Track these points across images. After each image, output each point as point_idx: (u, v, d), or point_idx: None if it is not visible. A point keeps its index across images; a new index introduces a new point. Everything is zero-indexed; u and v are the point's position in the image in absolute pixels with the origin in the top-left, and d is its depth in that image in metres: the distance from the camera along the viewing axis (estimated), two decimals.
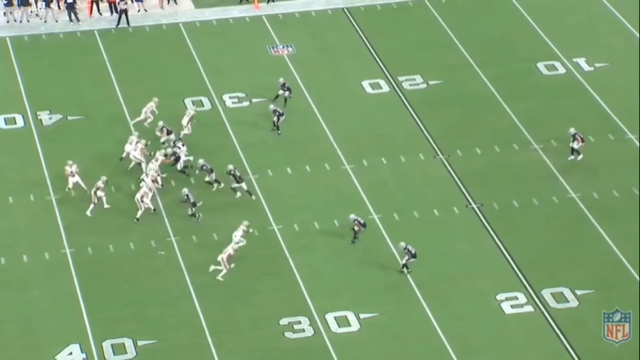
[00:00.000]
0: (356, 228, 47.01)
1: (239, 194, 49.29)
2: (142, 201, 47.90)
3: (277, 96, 54.01)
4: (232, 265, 45.36)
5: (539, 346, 43.28)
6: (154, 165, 49.30)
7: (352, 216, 47.16)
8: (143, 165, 49.90)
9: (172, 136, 50.86)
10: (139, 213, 48.06)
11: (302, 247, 47.19)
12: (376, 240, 47.67)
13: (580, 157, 50.97)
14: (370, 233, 47.81)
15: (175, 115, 53.79)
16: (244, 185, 49.26)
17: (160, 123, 51.46)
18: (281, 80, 54.12)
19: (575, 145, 50.86)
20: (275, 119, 52.52)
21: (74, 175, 48.92)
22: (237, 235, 46.00)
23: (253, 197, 49.38)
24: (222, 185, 49.30)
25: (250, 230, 46.40)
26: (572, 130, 51.03)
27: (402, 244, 45.53)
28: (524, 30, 60.30)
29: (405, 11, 61.99)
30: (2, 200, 49.17)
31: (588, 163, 51.19)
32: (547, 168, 51.03)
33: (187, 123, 52.18)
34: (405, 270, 45.66)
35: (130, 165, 50.18)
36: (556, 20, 60.85)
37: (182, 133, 52.00)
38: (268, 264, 46.49)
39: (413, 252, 45.35)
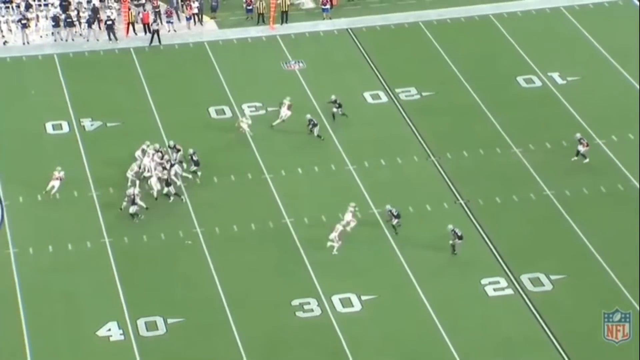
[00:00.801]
0: (387, 218, 47.14)
1: (190, 176, 50.13)
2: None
3: (333, 115, 53.89)
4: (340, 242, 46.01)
5: (518, 324, 43.29)
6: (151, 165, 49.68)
7: (388, 207, 47.37)
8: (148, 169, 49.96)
9: (181, 154, 50.54)
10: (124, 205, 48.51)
11: (311, 238, 47.14)
12: (376, 231, 47.60)
13: (586, 160, 50.95)
14: (370, 225, 47.83)
15: (200, 122, 54.31)
16: (198, 169, 49.88)
17: (171, 142, 51.26)
18: (333, 97, 53.98)
19: (582, 149, 50.76)
20: (310, 127, 52.41)
21: (57, 180, 48.81)
22: (346, 216, 46.50)
23: (198, 180, 49.96)
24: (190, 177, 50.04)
25: (358, 213, 46.93)
26: (578, 135, 51.17)
27: (450, 226, 45.79)
28: (505, 48, 60.31)
29: (401, 31, 62.03)
30: (60, 191, 49.17)
31: (560, 164, 51.13)
32: (525, 169, 50.98)
33: (287, 110, 52.85)
34: (453, 251, 45.93)
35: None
36: (533, 39, 60.86)
37: (278, 121, 53.10)
38: (281, 252, 46.57)
39: (459, 234, 45.50)
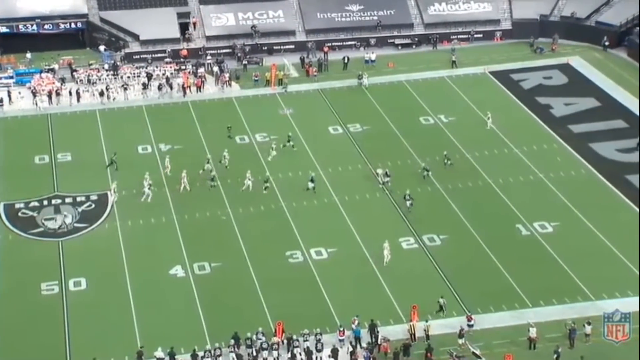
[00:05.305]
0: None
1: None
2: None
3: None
4: None
5: (421, 266, 43.07)
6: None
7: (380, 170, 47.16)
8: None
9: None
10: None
11: (297, 214, 46.62)
12: (334, 209, 47.04)
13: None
14: (331, 205, 47.30)
15: (229, 145, 52.82)
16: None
17: (208, 155, 50.59)
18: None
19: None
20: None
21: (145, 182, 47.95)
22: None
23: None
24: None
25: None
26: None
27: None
28: (411, 99, 59.64)
29: (350, 90, 61.18)
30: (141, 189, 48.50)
31: (444, 170, 50.52)
32: (425, 171, 50.40)
33: None
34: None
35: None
36: (429, 95, 60.09)
37: None
38: (279, 222, 46.06)
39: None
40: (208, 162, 50.04)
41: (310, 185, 47.96)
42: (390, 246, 42.84)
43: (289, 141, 52.24)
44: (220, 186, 48.95)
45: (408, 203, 46.05)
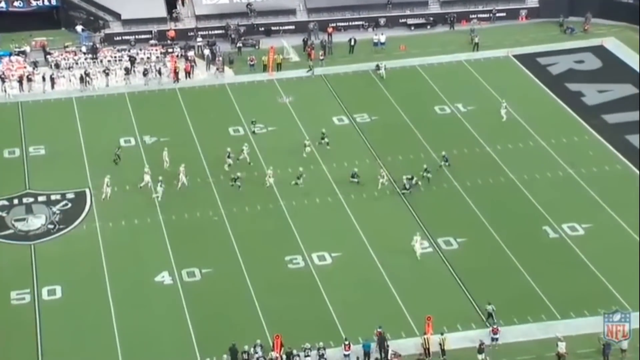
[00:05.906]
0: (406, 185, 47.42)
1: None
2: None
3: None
4: None
5: (436, 270, 42.91)
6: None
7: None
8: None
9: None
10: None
11: (298, 214, 46.40)
12: (339, 209, 46.84)
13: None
14: (336, 204, 47.12)
15: (222, 137, 52.96)
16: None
17: (228, 148, 50.45)
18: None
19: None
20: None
21: (148, 175, 48.18)
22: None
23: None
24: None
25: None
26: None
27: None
28: (426, 87, 59.48)
29: (357, 77, 60.94)
30: (129, 184, 48.41)
31: (463, 164, 50.34)
32: (440, 168, 50.02)
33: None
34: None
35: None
36: (445, 81, 59.89)
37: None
38: (277, 224, 45.87)
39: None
40: (229, 157, 49.87)
41: (354, 180, 47.93)
42: (420, 239, 43.12)
43: (322, 138, 52.03)
44: (212, 184, 48.82)
45: (407, 189, 46.68)
